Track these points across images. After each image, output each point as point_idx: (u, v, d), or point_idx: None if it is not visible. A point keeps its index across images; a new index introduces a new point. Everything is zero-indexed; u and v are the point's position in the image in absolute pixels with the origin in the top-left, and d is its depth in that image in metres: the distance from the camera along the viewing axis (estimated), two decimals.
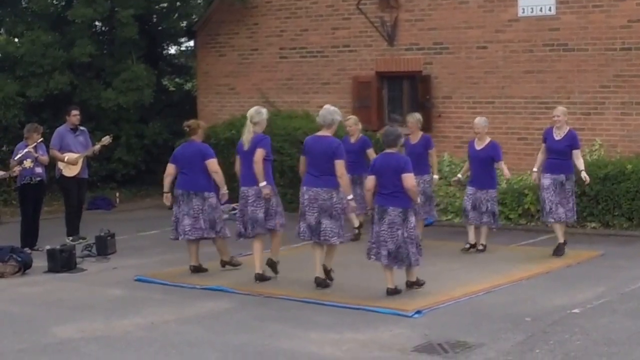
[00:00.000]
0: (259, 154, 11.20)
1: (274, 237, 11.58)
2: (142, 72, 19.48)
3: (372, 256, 10.54)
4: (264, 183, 11.23)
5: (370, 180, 10.58)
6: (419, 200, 10.81)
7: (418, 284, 10.65)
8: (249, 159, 11.30)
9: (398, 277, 10.52)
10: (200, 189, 11.79)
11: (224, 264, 12.11)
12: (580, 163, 12.90)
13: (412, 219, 10.38)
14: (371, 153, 13.91)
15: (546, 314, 9.56)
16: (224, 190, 11.88)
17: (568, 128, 12.96)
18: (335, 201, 10.80)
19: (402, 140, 10.81)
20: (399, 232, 10.27)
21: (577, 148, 12.90)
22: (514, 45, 16.64)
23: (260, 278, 11.32)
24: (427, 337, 8.76)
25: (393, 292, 10.42)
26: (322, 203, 10.81)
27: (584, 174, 12.85)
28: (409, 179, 10.27)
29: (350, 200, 10.85)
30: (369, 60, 18.29)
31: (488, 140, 13.38)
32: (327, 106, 11.26)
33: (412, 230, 10.34)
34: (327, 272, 11.03)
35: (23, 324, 9.62)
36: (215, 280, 11.44)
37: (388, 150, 10.52)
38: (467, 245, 13.30)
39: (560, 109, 13.13)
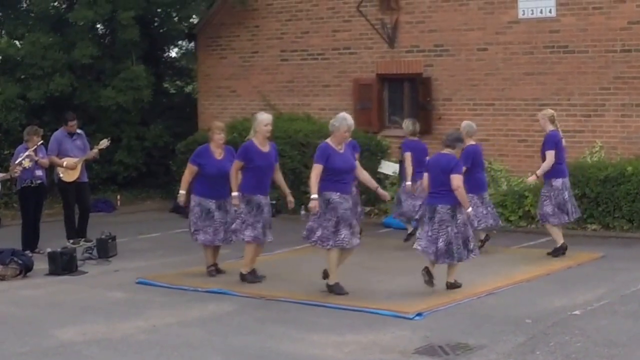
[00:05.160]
0: (234, 164, 11.27)
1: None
2: (142, 72, 19.44)
3: (430, 255, 10.61)
4: (235, 193, 11.23)
5: (425, 179, 10.90)
6: (469, 207, 10.78)
7: (455, 285, 10.77)
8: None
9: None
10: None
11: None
12: (542, 165, 12.80)
13: (461, 216, 10.57)
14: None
15: (547, 315, 9.57)
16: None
17: (548, 131, 12.96)
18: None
19: (462, 144, 11.03)
20: (449, 228, 10.50)
21: (548, 149, 12.78)
22: (514, 47, 16.66)
23: (243, 278, 11.37)
24: (428, 339, 8.77)
25: (429, 275, 10.57)
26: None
27: (530, 178, 13.09)
28: (456, 180, 10.47)
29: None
30: (369, 62, 18.30)
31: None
32: (342, 114, 10.96)
33: (461, 227, 10.56)
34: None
35: (24, 327, 9.60)
36: (217, 283, 11.44)
37: (444, 151, 10.80)
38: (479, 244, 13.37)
39: (540, 113, 13.23)
